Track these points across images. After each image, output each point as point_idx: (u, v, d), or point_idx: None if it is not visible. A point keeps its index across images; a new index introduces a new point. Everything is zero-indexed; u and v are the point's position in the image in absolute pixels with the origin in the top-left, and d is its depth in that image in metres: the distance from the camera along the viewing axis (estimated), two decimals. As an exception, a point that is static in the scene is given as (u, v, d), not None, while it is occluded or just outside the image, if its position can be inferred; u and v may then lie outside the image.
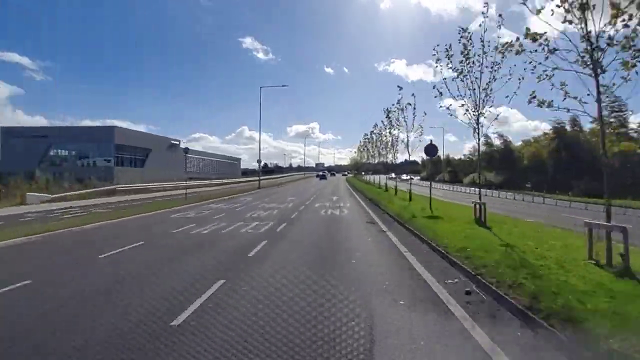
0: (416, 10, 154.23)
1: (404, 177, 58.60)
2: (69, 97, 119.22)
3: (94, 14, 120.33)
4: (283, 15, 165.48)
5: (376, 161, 42.99)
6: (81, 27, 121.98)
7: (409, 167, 60.75)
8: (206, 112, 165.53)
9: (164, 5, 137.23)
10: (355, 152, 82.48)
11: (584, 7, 5.85)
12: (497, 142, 51.94)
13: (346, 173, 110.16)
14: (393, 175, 70.50)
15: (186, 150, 34.73)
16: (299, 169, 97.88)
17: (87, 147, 65.89)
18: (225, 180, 56.31)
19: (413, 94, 23.53)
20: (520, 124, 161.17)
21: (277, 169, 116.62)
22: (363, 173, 74.93)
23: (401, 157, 30.68)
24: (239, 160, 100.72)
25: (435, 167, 71.84)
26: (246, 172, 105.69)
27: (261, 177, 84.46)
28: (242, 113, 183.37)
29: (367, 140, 43.39)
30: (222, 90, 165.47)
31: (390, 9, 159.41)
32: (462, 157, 69.01)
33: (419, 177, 75.29)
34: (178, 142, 78.67)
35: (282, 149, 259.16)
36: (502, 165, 45.24)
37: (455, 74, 10.51)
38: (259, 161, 36.18)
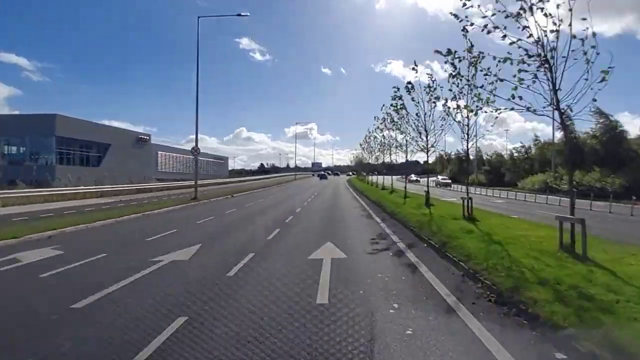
0: (413, 11, 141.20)
1: (440, 179, 43.16)
2: (67, 98, 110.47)
3: (91, 15, 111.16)
4: (279, 15, 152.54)
5: (379, 161, 37.09)
6: (79, 28, 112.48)
7: (410, 167, 46.51)
8: (204, 114, 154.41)
9: (161, 6, 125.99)
10: (358, 150, 67.16)
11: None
12: (588, 124, 32.14)
13: (350, 174, 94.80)
14: (413, 177, 54.18)
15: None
16: (296, 169, 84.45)
17: (21, 140, 50.62)
18: (177, 184, 40.18)
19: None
20: (518, 125, 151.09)
21: (273, 170, 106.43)
22: (367, 174, 59.99)
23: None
24: (226, 159, 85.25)
25: (461, 165, 55.23)
26: (241, 172, 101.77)
27: (243, 178, 69.68)
28: (240, 114, 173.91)
29: (382, 122, 27.52)
30: (220, 92, 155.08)
31: (387, 9, 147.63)
32: (507, 152, 51.50)
33: (415, 177, 59.34)
34: (147, 137, 63.29)
35: (281, 150, 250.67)
36: (610, 162, 26.19)
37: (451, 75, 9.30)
38: (195, 150, 19.01)
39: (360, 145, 43.46)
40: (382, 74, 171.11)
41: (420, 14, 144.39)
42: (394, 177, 37.00)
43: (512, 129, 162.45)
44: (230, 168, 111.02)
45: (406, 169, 34.33)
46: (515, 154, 42.89)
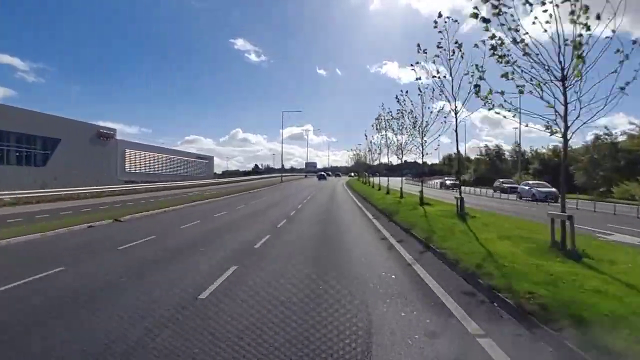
0: (407, 12, 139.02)
1: (537, 186, 25.11)
2: (62, 99, 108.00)
3: (85, 16, 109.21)
4: (273, 16, 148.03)
5: (379, 162, 35.29)
6: (73, 29, 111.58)
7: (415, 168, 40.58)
8: (200, 115, 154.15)
9: (154, 7, 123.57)
10: (357, 150, 56.46)
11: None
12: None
13: (352, 174, 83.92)
14: (447, 181, 42.29)
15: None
16: (283, 170, 75.02)
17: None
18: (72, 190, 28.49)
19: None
20: (514, 126, 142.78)
21: (267, 171, 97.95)
22: (369, 175, 51.19)
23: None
24: (210, 158, 74.34)
25: (492, 166, 43.47)
26: (237, 173, 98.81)
27: (211, 181, 56.90)
28: (236, 115, 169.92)
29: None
30: (215, 93, 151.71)
31: (381, 10, 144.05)
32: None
33: (450, 181, 47.05)
34: (112, 132, 52.64)
35: (277, 151, 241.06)
36: None
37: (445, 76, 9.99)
38: None
39: (366, 137, 32.10)
40: (377, 75, 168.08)
41: (414, 15, 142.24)
42: (396, 178, 30.69)
43: (506, 130, 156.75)
44: (224, 169, 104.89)
45: (413, 169, 24.98)
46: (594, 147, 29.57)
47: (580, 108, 5.56)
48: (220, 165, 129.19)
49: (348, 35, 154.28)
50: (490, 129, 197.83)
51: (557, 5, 5.38)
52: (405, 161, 25.37)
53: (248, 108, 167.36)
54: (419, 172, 37.28)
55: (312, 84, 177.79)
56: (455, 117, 10.85)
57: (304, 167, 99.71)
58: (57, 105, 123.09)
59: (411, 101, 16.10)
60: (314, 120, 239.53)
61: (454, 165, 68.05)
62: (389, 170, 35.41)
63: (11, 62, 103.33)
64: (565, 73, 5.58)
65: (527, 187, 25.47)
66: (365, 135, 31.32)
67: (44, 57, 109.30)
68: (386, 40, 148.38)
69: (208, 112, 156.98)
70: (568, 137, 5.88)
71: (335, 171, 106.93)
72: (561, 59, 5.58)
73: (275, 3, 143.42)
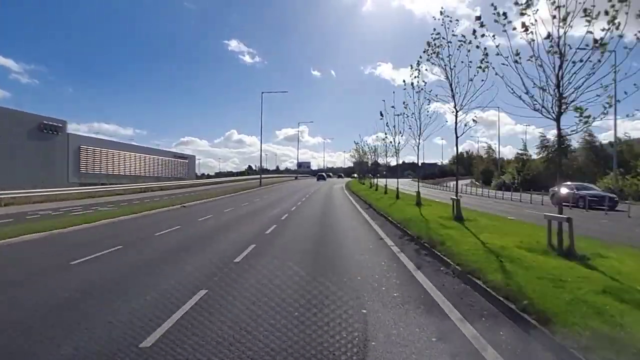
0: (400, 13, 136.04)
1: None
2: (56, 100, 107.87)
3: (80, 17, 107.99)
4: (266, 18, 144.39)
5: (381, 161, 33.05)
6: (67, 31, 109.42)
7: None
8: (195, 116, 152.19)
9: (148, 10, 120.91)
10: (357, 148, 46.72)
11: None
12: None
13: (354, 176, 75.72)
14: (580, 190, 22.87)
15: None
16: (287, 171, 66.48)
17: None
18: None
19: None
20: (508, 127, 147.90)
21: (261, 172, 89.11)
22: (373, 176, 43.36)
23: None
24: (191, 158, 64.61)
25: (548, 165, 33.71)
26: (231, 174, 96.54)
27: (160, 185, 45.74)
28: (231, 116, 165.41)
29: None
30: (210, 94, 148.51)
31: (375, 12, 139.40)
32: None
33: (467, 182, 37.33)
34: (60, 125, 42.73)
35: (271, 152, 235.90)
36: None
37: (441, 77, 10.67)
38: None
39: (382, 115, 21.71)
40: (371, 76, 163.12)
41: (407, 16, 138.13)
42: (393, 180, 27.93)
43: (502, 131, 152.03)
44: (218, 170, 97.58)
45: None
46: None
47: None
48: (216, 166, 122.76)
49: (342, 36, 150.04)
50: (486, 130, 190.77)
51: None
52: (403, 162, 17.91)
53: (243, 109, 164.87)
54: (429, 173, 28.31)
55: (306, 85, 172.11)
56: (456, 117, 10.94)
57: (296, 167, 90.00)
58: (51, 106, 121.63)
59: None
60: (310, 122, 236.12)
61: (474, 165, 57.60)
62: (388, 170, 33.00)
63: (5, 64, 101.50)
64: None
65: None
66: (381, 114, 20.94)
67: (38, 58, 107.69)
68: (380, 42, 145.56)
69: (203, 113, 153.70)
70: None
71: (337, 172, 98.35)
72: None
73: (268, 4, 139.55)
